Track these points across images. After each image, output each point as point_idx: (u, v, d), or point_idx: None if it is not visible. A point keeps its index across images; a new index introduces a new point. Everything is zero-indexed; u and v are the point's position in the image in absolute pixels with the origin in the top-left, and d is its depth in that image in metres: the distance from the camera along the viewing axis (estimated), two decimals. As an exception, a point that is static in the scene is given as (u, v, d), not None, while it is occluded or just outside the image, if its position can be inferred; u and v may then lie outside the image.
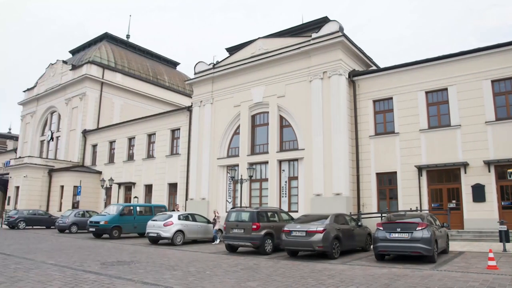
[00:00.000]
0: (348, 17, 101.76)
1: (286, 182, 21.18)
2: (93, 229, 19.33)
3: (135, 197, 28.73)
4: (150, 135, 29.70)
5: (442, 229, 12.07)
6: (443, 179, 17.61)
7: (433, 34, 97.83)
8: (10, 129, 60.15)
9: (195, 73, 25.87)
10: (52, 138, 38.45)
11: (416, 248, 10.33)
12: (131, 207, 20.52)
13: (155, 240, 16.90)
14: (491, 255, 9.50)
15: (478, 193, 16.29)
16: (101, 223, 19.08)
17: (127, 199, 29.88)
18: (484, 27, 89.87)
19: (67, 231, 23.04)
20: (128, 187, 30.14)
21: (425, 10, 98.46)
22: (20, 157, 35.71)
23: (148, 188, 28.72)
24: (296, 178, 20.78)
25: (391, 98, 19.20)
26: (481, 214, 16.08)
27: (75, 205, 30.61)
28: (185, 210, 23.69)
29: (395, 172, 18.48)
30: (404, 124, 18.53)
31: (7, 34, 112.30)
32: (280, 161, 21.40)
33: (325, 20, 22.68)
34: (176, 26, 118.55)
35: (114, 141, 32.48)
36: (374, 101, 19.76)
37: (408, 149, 18.19)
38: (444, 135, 17.47)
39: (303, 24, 24.52)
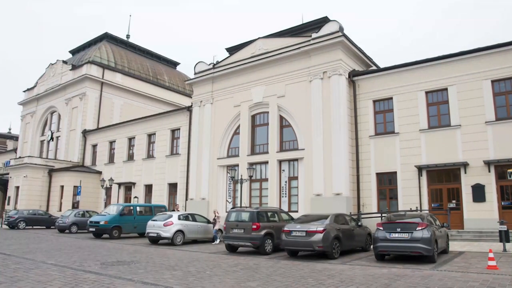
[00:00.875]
0: (348, 17, 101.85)
1: (286, 182, 21.18)
2: (93, 229, 19.33)
3: (135, 197, 28.73)
4: (150, 135, 29.69)
5: (442, 229, 12.07)
6: (443, 179, 17.61)
7: (434, 33, 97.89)
8: (10, 129, 60.17)
9: (195, 73, 25.87)
10: (52, 138, 38.44)
11: (416, 248, 10.33)
12: (131, 207, 20.51)
13: (155, 240, 16.90)
14: (491, 255, 9.50)
15: (478, 193, 16.29)
16: (101, 223, 19.08)
17: (127, 199, 29.88)
18: (484, 27, 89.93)
19: (67, 231, 23.03)
20: (128, 187, 30.14)
21: (425, 9, 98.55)
22: (20, 157, 35.72)
23: (148, 188, 28.72)
24: (296, 178, 20.78)
25: (391, 98, 19.20)
26: (481, 214, 16.08)
27: (75, 205, 30.60)
28: (185, 210, 23.69)
29: (395, 172, 18.48)
30: (404, 124, 18.53)
31: (7, 34, 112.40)
32: (280, 161, 21.40)
33: (325, 20, 22.67)
34: (176, 26, 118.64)
35: (114, 141, 32.48)
36: (374, 101, 19.76)
37: (408, 149, 18.19)
38: (444, 135, 17.47)
39: (303, 24, 24.51)
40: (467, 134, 16.86)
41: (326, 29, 20.26)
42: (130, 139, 31.21)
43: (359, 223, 14.14)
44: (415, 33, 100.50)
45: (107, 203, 29.31)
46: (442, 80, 17.85)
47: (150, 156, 29.20)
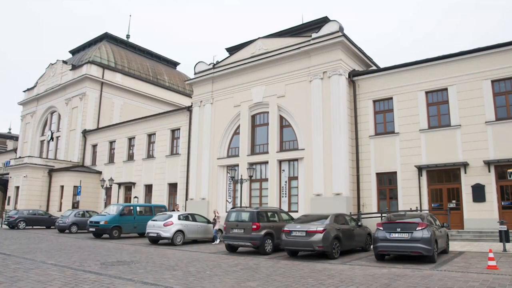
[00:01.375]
0: (348, 17, 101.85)
1: (286, 182, 21.18)
2: (93, 229, 19.33)
3: (135, 197, 28.73)
4: (150, 135, 29.70)
5: (442, 229, 12.07)
6: (443, 179, 17.61)
7: (434, 33, 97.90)
8: (10, 129, 60.20)
9: (195, 73, 25.87)
10: (52, 138, 38.45)
11: (416, 248, 10.33)
12: (131, 207, 20.51)
13: (155, 240, 16.90)
14: (491, 255, 9.50)
15: (478, 193, 16.29)
16: (101, 223, 19.07)
17: (127, 199, 29.88)
18: (484, 27, 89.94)
19: (67, 231, 23.03)
20: (128, 187, 30.14)
21: (425, 9, 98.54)
22: (20, 157, 35.72)
23: (148, 188, 28.72)
24: (296, 178, 20.78)
25: (391, 98, 19.20)
26: (481, 214, 16.08)
27: (75, 205, 30.61)
28: (185, 210, 23.69)
29: (395, 172, 18.48)
30: (404, 124, 18.53)
31: (7, 34, 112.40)
32: (280, 161, 21.40)
33: (325, 20, 22.68)
34: (176, 26, 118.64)
35: (114, 141, 32.48)
36: (374, 101, 19.76)
37: (408, 149, 18.19)
38: (444, 135, 17.47)
39: (303, 24, 24.51)
40: (467, 134, 16.86)
41: (326, 29, 20.26)
42: (130, 139, 31.21)
43: (359, 223, 14.13)
44: (415, 33, 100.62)
45: (107, 203, 29.31)
46: (442, 80, 17.85)
47: (150, 156, 29.20)
